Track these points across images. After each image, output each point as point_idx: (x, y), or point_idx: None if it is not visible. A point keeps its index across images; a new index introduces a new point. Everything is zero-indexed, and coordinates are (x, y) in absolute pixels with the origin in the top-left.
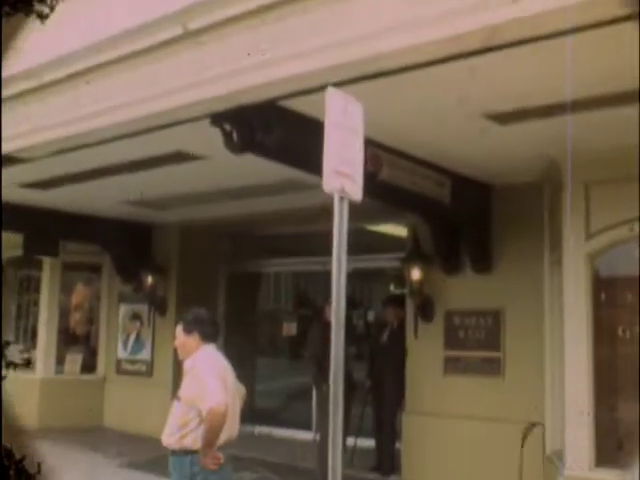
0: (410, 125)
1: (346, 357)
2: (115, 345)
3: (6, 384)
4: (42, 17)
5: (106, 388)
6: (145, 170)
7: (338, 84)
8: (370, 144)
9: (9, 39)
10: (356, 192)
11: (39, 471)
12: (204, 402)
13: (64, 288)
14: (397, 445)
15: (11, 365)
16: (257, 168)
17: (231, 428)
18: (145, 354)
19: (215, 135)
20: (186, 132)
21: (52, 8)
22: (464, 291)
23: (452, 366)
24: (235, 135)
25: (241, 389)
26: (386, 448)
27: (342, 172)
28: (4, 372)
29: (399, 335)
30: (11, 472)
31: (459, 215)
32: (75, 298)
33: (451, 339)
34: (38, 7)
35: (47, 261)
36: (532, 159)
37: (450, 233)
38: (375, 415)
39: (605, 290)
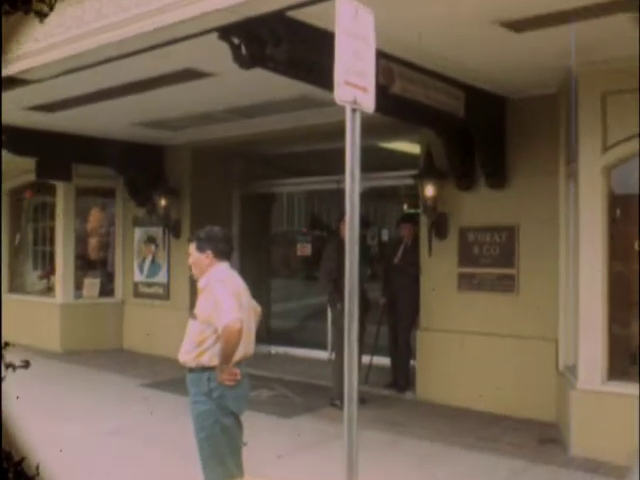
0: (422, 35)
1: (361, 276)
2: (132, 269)
3: (30, 310)
4: (41, 16)
5: (124, 311)
6: (155, 89)
7: None
8: (381, 56)
9: (9, 37)
10: (368, 103)
11: (38, 473)
12: (219, 319)
13: (79, 214)
14: (412, 362)
15: (10, 366)
16: (269, 85)
17: (247, 345)
18: (161, 277)
19: (224, 51)
20: (195, 48)
21: (51, 7)
22: (478, 207)
23: (466, 283)
24: (244, 49)
25: (256, 307)
26: (401, 365)
27: (354, 83)
28: (3, 373)
29: (413, 253)
30: (10, 474)
31: (473, 129)
32: (90, 223)
33: (465, 256)
34: (37, 6)
35: (61, 186)
36: (547, 70)
37: (464, 148)
38: (390, 333)
39: (621, 205)
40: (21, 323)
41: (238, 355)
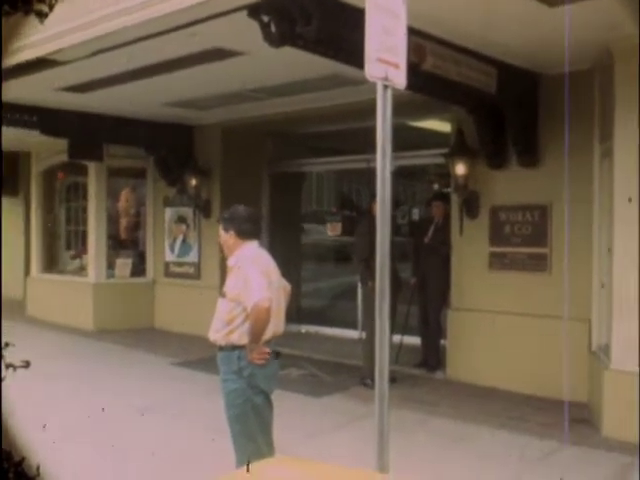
0: (454, 11)
1: (392, 254)
2: (163, 248)
3: (64, 289)
4: (41, 16)
5: (156, 291)
6: (184, 69)
7: None
8: (412, 33)
9: (9, 38)
10: (400, 79)
11: (38, 473)
12: (248, 298)
13: (110, 194)
14: (442, 341)
15: (10, 366)
16: (299, 63)
17: (277, 324)
18: (192, 256)
19: (254, 29)
20: (223, 27)
21: (51, 7)
22: (510, 186)
23: (498, 262)
24: (273, 27)
25: (286, 285)
26: (431, 344)
27: (385, 59)
28: (4, 373)
29: (444, 232)
30: (10, 475)
31: (505, 106)
32: (121, 203)
33: (496, 235)
34: (37, 6)
35: (92, 167)
36: (582, 45)
37: (496, 125)
38: (421, 312)
39: None
40: (55, 302)
41: (268, 334)
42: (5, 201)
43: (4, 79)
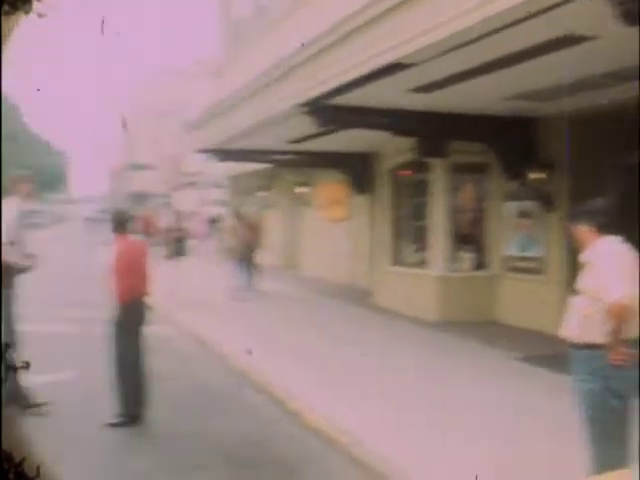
0: None
1: None
2: (505, 243)
3: (407, 281)
4: (42, 16)
5: (497, 284)
6: (531, 60)
7: None
8: None
9: (9, 37)
10: None
11: (38, 474)
12: (606, 294)
13: (453, 189)
14: None
15: (11, 367)
16: None
17: (637, 323)
18: (535, 251)
19: (605, 11)
20: (575, 11)
21: (52, 8)
22: None
23: None
24: (629, 5)
25: None
26: None
27: None
28: (4, 374)
29: None
30: (10, 475)
31: None
32: (463, 198)
33: None
34: (38, 6)
35: (436, 163)
36: None
37: None
38: None
39: None
40: (399, 293)
41: (628, 334)
42: (355, 199)
43: (359, 86)
